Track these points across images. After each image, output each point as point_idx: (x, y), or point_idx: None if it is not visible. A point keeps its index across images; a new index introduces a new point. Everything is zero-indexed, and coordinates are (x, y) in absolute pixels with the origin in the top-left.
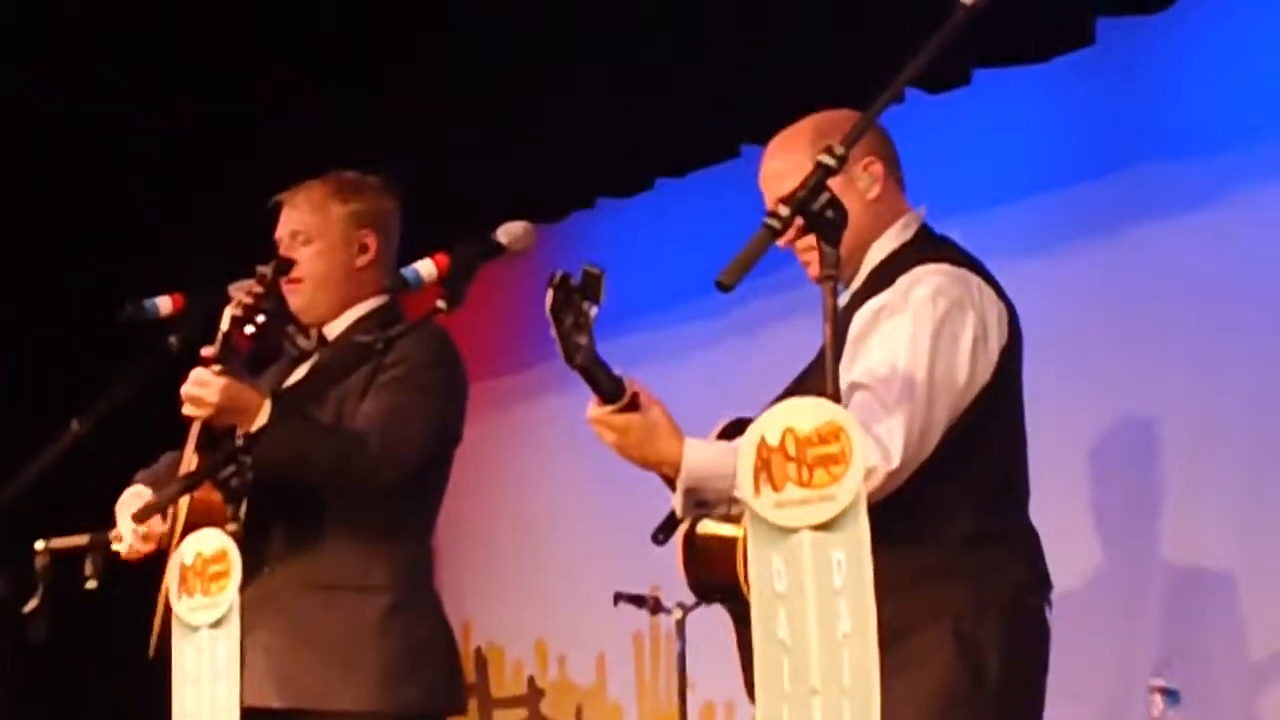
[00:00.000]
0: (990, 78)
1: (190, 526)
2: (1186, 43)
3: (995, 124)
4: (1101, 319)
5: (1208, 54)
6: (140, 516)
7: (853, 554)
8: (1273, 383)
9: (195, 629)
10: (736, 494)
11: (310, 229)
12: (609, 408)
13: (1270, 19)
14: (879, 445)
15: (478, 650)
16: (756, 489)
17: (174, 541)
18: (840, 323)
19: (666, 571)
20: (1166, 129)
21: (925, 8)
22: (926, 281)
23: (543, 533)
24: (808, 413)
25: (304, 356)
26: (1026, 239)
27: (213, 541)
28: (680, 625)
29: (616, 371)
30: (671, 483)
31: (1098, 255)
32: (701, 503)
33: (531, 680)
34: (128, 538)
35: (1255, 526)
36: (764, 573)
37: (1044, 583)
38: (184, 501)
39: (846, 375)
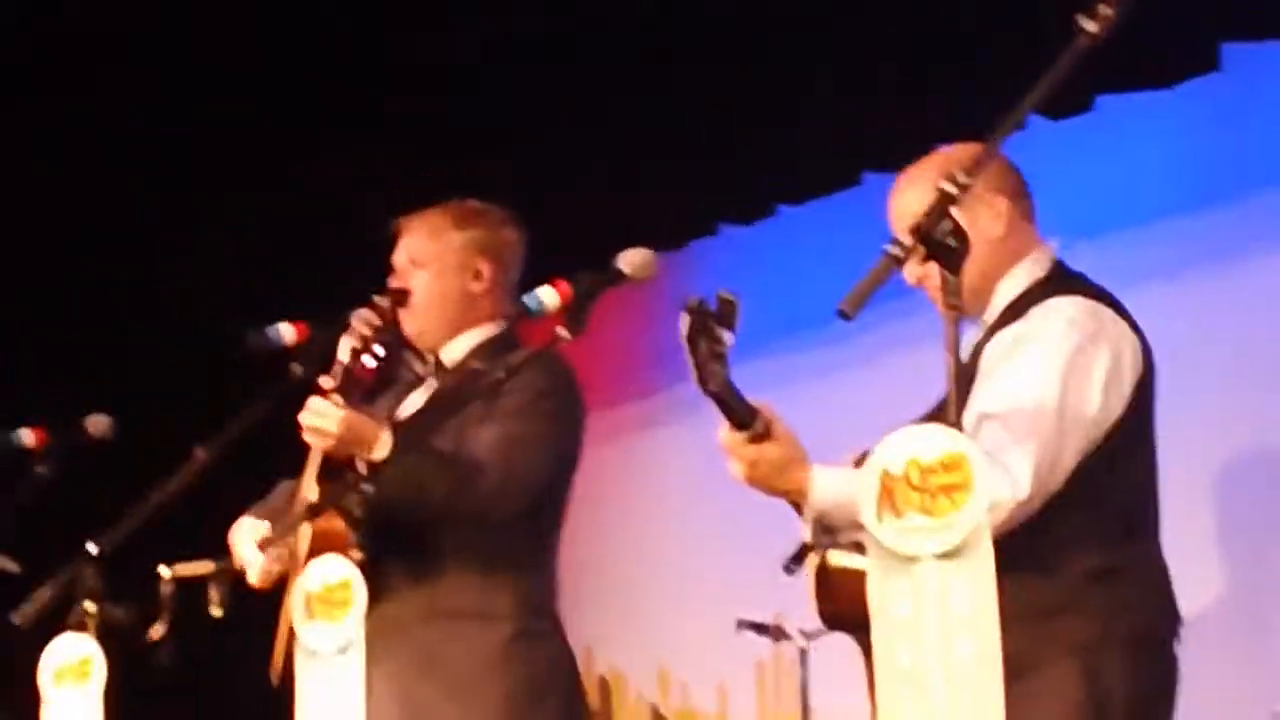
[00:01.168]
0: (1114, 103)
1: (313, 554)
2: None
3: (1119, 150)
4: (1226, 344)
5: None
6: (264, 544)
7: (978, 583)
8: None
9: (319, 655)
10: (862, 516)
11: (425, 255)
12: (742, 436)
13: None
14: (1008, 475)
15: (601, 678)
16: (879, 517)
17: (297, 570)
18: (970, 358)
19: (789, 599)
20: None
21: (1049, 34)
22: (1059, 314)
23: (664, 559)
24: (930, 441)
25: (421, 382)
26: (1152, 265)
27: (337, 568)
28: (803, 654)
29: (750, 399)
30: (800, 510)
31: (1223, 281)
32: (830, 530)
33: (654, 708)
34: (255, 566)
35: None
36: (885, 602)
37: (1173, 618)
38: (306, 530)
39: (976, 407)
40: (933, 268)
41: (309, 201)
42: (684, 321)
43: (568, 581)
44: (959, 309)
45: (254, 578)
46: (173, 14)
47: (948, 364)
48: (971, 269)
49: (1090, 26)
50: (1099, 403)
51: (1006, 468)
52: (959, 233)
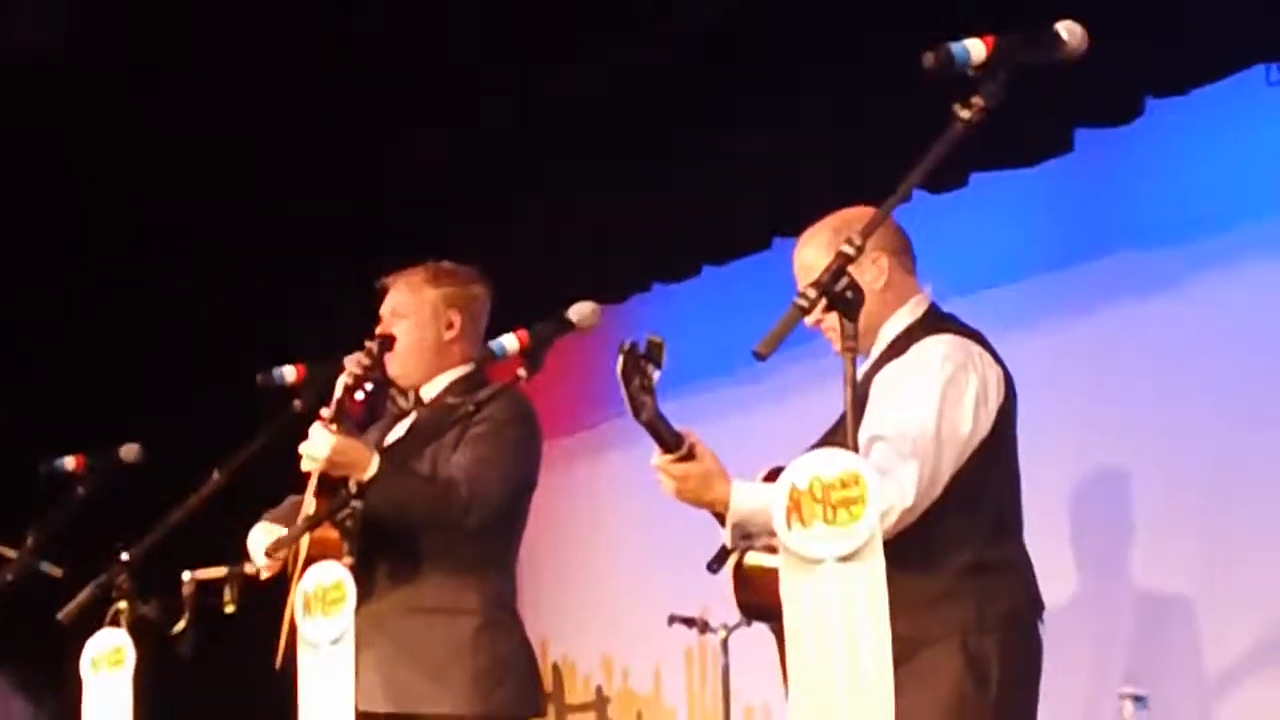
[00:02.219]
0: (984, 180)
1: (310, 559)
2: (1154, 148)
3: (990, 219)
4: (1080, 385)
5: (1173, 157)
6: (271, 551)
7: (871, 581)
8: (1230, 439)
9: (317, 646)
10: (773, 524)
11: (406, 307)
12: (670, 457)
13: (1225, 126)
14: (897, 487)
15: (554, 665)
16: (788, 525)
17: (296, 571)
18: (861, 388)
19: (713, 597)
20: (1137, 223)
21: (933, 117)
22: (935, 349)
23: (607, 564)
24: (831, 461)
25: (403, 414)
26: (1018, 317)
27: (332, 572)
28: (724, 643)
29: (676, 426)
30: (721, 519)
31: (1079, 331)
32: (747, 535)
33: (599, 690)
34: (261, 563)
35: (1212, 557)
36: (795, 597)
37: (1037, 604)
38: (305, 538)
39: (867, 430)
40: (833, 316)
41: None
42: (619, 361)
43: (527, 585)
44: (855, 350)
45: (261, 572)
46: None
47: (846, 396)
48: (860, 314)
49: (965, 115)
50: (970, 423)
51: (895, 480)
52: (855, 287)
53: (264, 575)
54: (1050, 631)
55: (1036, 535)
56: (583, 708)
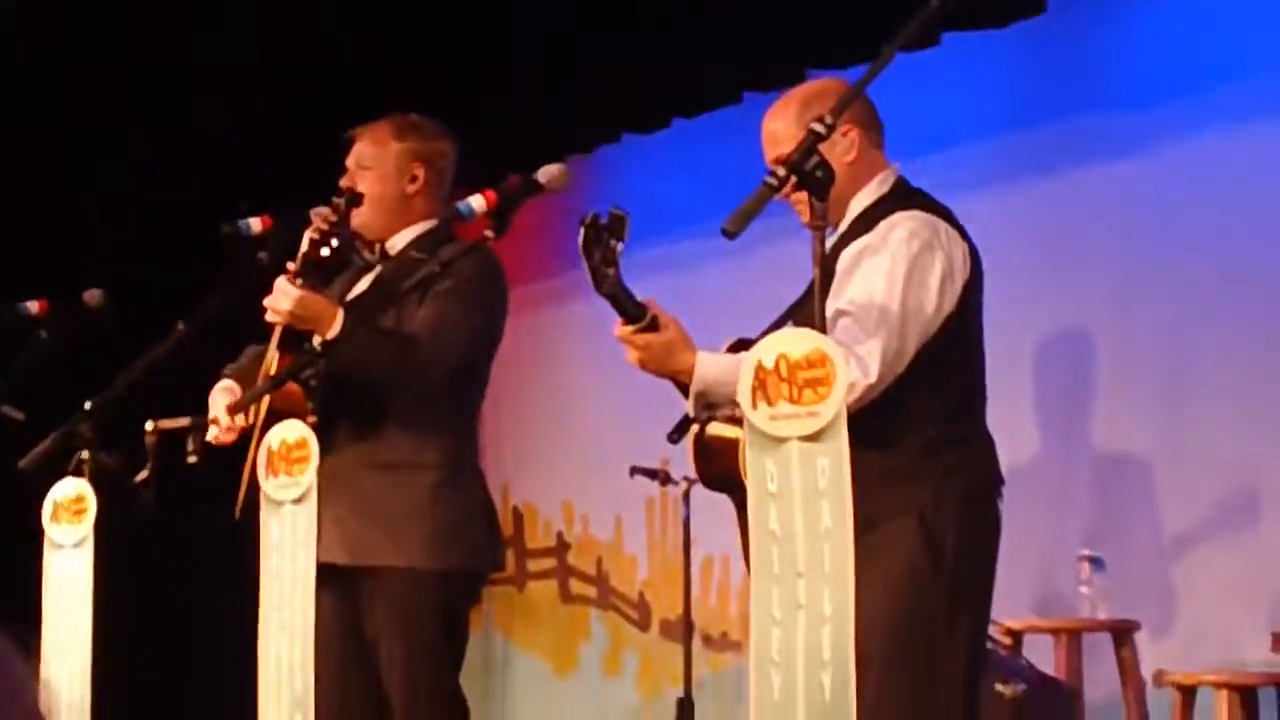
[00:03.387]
0: (957, 40)
1: (273, 413)
2: (1125, 12)
3: (959, 80)
4: (1043, 246)
5: (1144, 23)
6: (234, 409)
7: (834, 462)
8: (1189, 304)
9: (280, 504)
10: (738, 399)
11: (371, 159)
12: (633, 328)
13: None
14: (860, 363)
15: (515, 509)
16: (754, 404)
17: (258, 424)
18: (828, 261)
19: (675, 450)
20: (1106, 86)
21: None
22: (902, 226)
23: (571, 412)
24: (798, 341)
25: (368, 268)
26: (984, 176)
27: (295, 430)
28: (686, 495)
29: (639, 297)
30: (684, 389)
31: (1042, 191)
32: (710, 405)
33: (560, 535)
34: (221, 422)
35: (1168, 421)
36: (759, 475)
37: (996, 480)
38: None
39: (833, 304)
40: (803, 192)
41: (276, 108)
42: (580, 234)
43: (491, 431)
44: (823, 227)
45: (212, 438)
46: None
47: (815, 274)
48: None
49: None
50: (935, 300)
51: (859, 356)
52: (825, 166)
53: (218, 440)
54: (1008, 495)
55: (995, 399)
56: (543, 552)
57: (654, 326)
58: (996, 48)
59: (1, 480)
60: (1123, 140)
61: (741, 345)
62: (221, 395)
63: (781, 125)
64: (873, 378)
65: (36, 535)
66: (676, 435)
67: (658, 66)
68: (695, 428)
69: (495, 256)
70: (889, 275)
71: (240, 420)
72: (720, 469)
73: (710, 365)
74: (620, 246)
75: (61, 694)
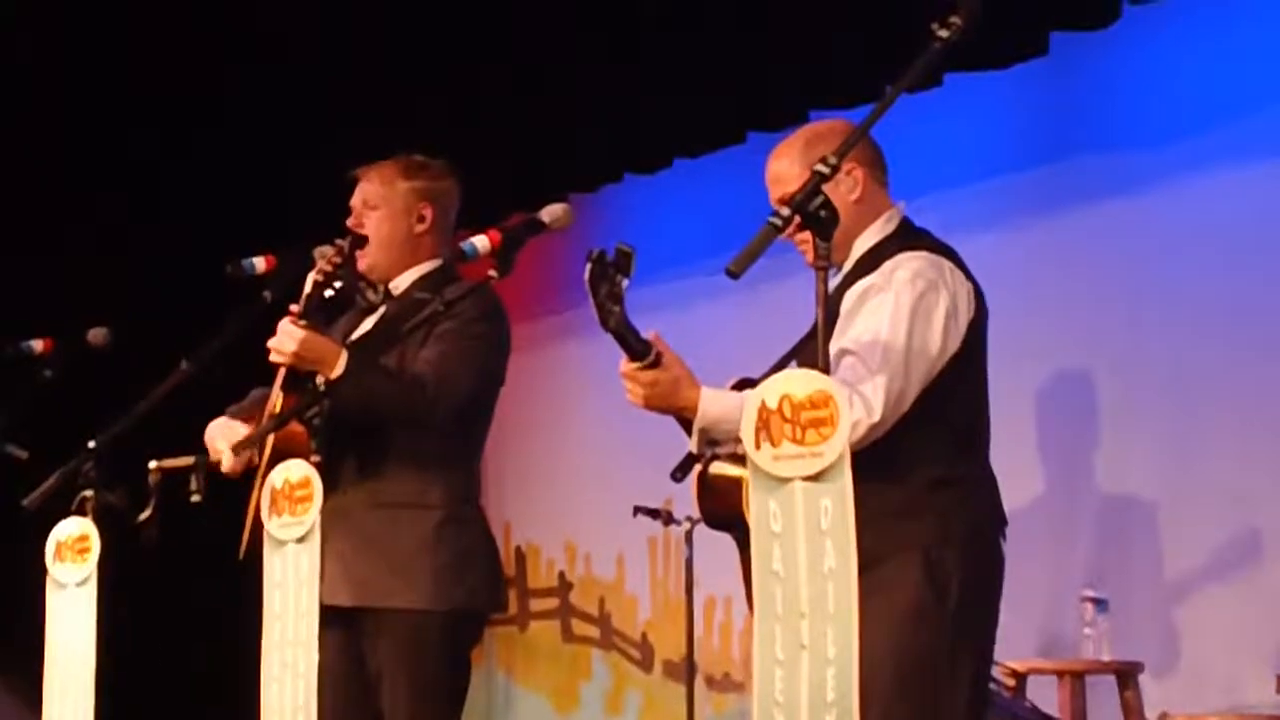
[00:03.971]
0: (959, 81)
1: (277, 454)
2: (1126, 54)
3: (962, 120)
4: (1045, 286)
5: (1145, 64)
6: (238, 448)
7: (838, 502)
8: (1188, 344)
9: (283, 543)
10: (741, 438)
11: (378, 199)
12: (637, 365)
13: (1198, 35)
14: (864, 402)
15: (517, 549)
16: (757, 444)
17: (262, 465)
18: (832, 301)
19: (677, 488)
20: (1107, 127)
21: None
22: (906, 266)
23: (574, 452)
24: (802, 382)
25: (371, 308)
26: (986, 217)
27: (298, 470)
28: (689, 535)
29: (643, 333)
30: (688, 426)
31: (1044, 231)
32: (713, 441)
33: (562, 575)
34: (226, 460)
35: (1172, 463)
36: (762, 515)
37: (1000, 519)
38: (271, 436)
39: (837, 343)
40: (807, 234)
41: (279, 146)
42: (586, 269)
43: (493, 469)
44: (827, 267)
45: (226, 467)
46: None
47: (819, 315)
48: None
49: (943, 34)
50: (939, 340)
51: (862, 395)
52: (829, 206)
53: (226, 469)
54: (1012, 534)
55: (999, 438)
56: (545, 592)
57: (658, 363)
58: (999, 88)
59: (5, 518)
60: (1125, 179)
61: (745, 384)
62: (220, 430)
63: (786, 165)
64: (876, 417)
65: (40, 574)
66: (680, 473)
67: (661, 105)
68: (699, 466)
69: (498, 296)
70: (893, 315)
71: (242, 463)
72: (723, 508)
73: (714, 402)
74: (626, 282)
75: None
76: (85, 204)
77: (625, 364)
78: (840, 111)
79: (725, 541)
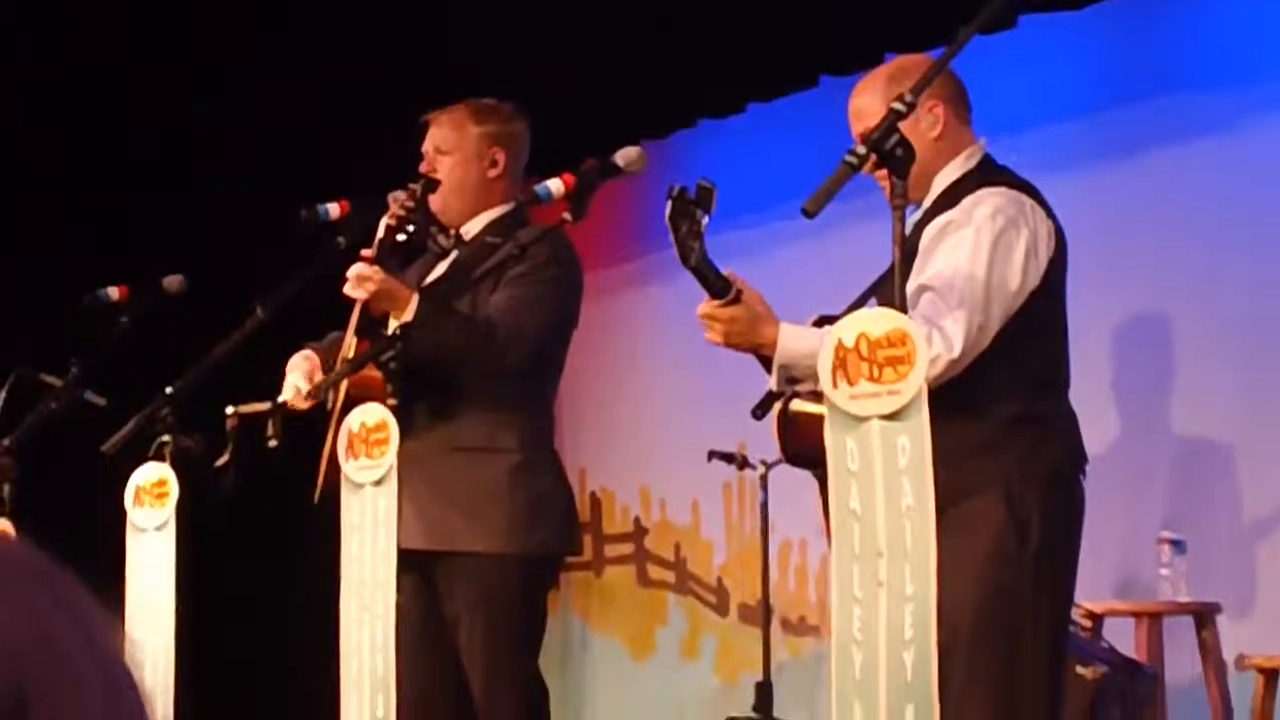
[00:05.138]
0: (1033, 22)
1: (352, 398)
2: None
3: (1036, 61)
4: (1123, 229)
5: (1224, 1)
6: (312, 394)
7: (915, 440)
8: (1269, 285)
9: (360, 486)
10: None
11: (450, 144)
12: (717, 302)
13: None
14: (943, 337)
15: (592, 494)
16: (834, 383)
17: (337, 409)
18: (911, 235)
19: (752, 432)
20: (1184, 66)
21: None
22: (987, 202)
23: (648, 397)
24: (879, 320)
25: (444, 253)
26: (1062, 159)
27: (375, 414)
28: (763, 478)
29: (722, 270)
30: (767, 364)
31: (1123, 173)
32: (793, 379)
33: (637, 520)
34: (300, 389)
35: (1250, 403)
36: (839, 454)
37: (1080, 457)
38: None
39: (917, 279)
40: (884, 171)
41: (350, 92)
42: (667, 206)
43: (568, 417)
44: (904, 205)
45: (292, 400)
46: None
47: (894, 254)
48: (911, 168)
49: None
50: (1019, 277)
51: (942, 331)
52: (905, 144)
53: (299, 406)
54: (1090, 475)
55: (1077, 381)
56: (620, 538)
57: (738, 300)
58: (1073, 30)
59: (84, 465)
60: (1202, 121)
61: (826, 321)
62: (300, 362)
63: (868, 100)
64: (956, 352)
65: (119, 519)
66: (760, 411)
67: (733, 51)
68: (779, 404)
69: (570, 241)
70: (973, 250)
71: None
72: (804, 445)
73: (794, 338)
74: (706, 219)
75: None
76: (159, 151)
77: (705, 304)
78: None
79: (800, 485)
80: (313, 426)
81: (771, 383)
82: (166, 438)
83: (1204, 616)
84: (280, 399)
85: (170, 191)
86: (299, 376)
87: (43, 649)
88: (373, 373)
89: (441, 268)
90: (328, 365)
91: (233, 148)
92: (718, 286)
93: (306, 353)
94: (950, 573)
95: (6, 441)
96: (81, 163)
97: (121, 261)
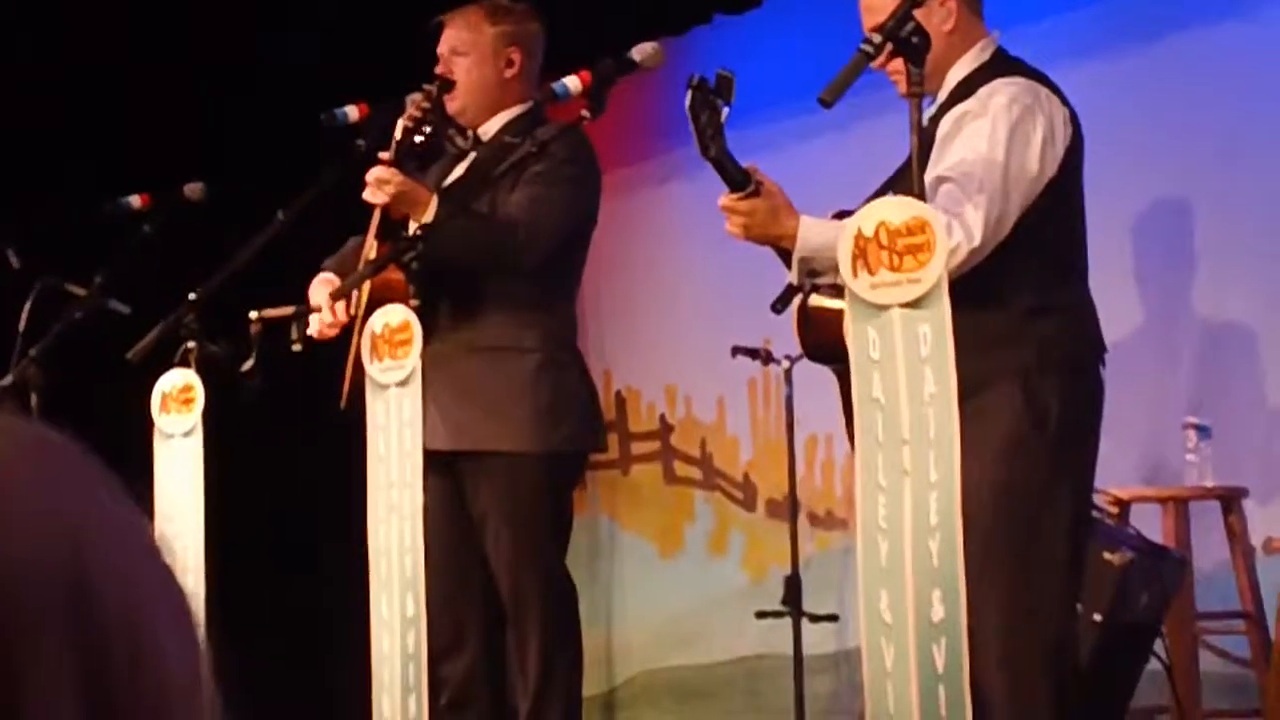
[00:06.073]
0: None
1: (374, 301)
2: None
3: None
4: (1142, 114)
5: None
6: (336, 295)
7: (937, 328)
8: None
9: (385, 388)
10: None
11: (465, 45)
12: (737, 194)
13: None
14: (964, 227)
15: (617, 393)
16: (854, 272)
17: (360, 312)
18: (927, 130)
19: (776, 328)
20: None
21: None
22: (1003, 92)
23: (671, 295)
24: (898, 209)
25: (462, 154)
26: (1079, 44)
27: (398, 314)
28: (788, 373)
29: (742, 163)
30: (787, 258)
31: (1141, 57)
32: (813, 272)
33: (663, 418)
34: (325, 316)
35: (1273, 287)
36: (861, 343)
37: (1099, 346)
38: (367, 282)
39: (934, 170)
40: (899, 60)
41: None
42: (687, 95)
43: (591, 314)
44: (920, 94)
45: (314, 332)
46: None
47: (911, 142)
48: (928, 56)
49: None
50: (1037, 165)
51: (962, 220)
52: (921, 32)
53: (320, 333)
54: (1112, 363)
55: (1097, 268)
56: (646, 435)
57: (758, 192)
58: None
59: (110, 372)
60: (1221, 5)
61: (845, 215)
62: (322, 287)
63: None
64: (976, 241)
65: (146, 427)
66: (780, 305)
67: None
68: (799, 298)
69: (588, 138)
70: (990, 139)
71: (342, 314)
72: (824, 340)
73: (814, 230)
74: (727, 110)
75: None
76: (178, 60)
77: (725, 196)
78: None
79: (825, 380)
80: (336, 336)
81: (791, 276)
82: (191, 344)
83: (1230, 501)
84: (306, 307)
85: (190, 98)
86: (322, 297)
87: (100, 534)
88: (394, 274)
89: (460, 169)
90: (348, 272)
91: (251, 54)
92: (737, 179)
93: (326, 275)
94: (968, 460)
95: (33, 351)
96: (101, 70)
97: (143, 169)
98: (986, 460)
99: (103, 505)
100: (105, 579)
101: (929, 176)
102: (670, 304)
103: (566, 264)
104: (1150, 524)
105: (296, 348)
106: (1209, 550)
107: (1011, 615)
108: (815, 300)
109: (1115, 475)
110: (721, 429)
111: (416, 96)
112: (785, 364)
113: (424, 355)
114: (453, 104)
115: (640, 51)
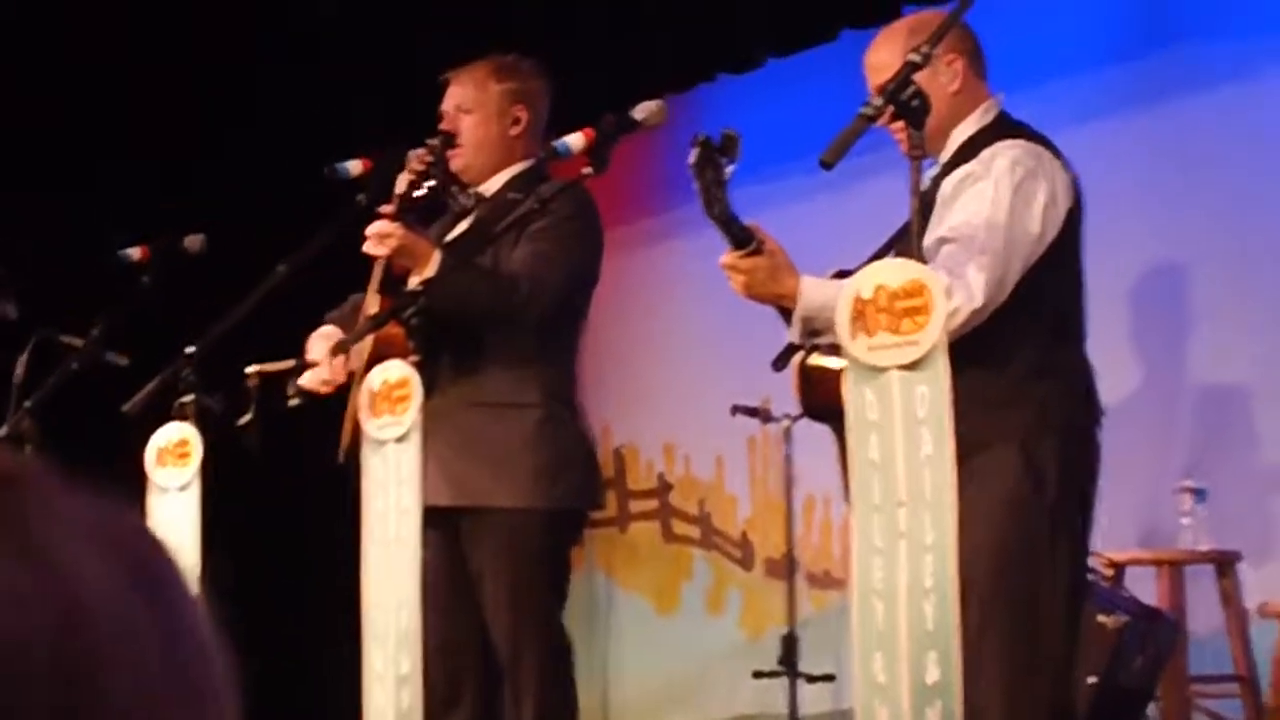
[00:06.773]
0: None
1: (375, 356)
2: None
3: (1054, 12)
4: (1142, 178)
5: None
6: (336, 350)
7: (934, 390)
8: None
9: (382, 444)
10: (837, 330)
11: (471, 102)
12: (739, 253)
13: None
14: (965, 288)
15: (616, 450)
16: (853, 335)
17: (360, 367)
18: (929, 190)
19: (775, 386)
20: (1203, 15)
21: None
22: (1005, 154)
23: (671, 353)
24: (896, 271)
25: (464, 211)
26: (1080, 109)
27: (397, 371)
28: (787, 432)
29: (744, 221)
30: (788, 316)
31: (1142, 122)
32: (813, 331)
33: (661, 476)
34: (322, 373)
35: (1270, 351)
36: (858, 405)
37: (1096, 409)
38: (369, 337)
39: (936, 231)
40: (901, 124)
41: (372, 51)
42: (692, 153)
43: (591, 370)
44: (921, 157)
45: (312, 383)
46: None
47: (912, 205)
48: (931, 117)
49: None
50: (1039, 227)
51: (964, 280)
52: (921, 96)
53: (322, 390)
54: (1109, 425)
55: (1097, 329)
56: (645, 493)
57: (760, 251)
58: None
59: (105, 425)
60: (1222, 69)
61: (845, 275)
62: (322, 341)
63: (885, 54)
64: (978, 302)
65: (141, 480)
66: (780, 363)
67: (753, 5)
68: (798, 357)
69: (591, 194)
70: (993, 201)
71: (341, 372)
72: (822, 399)
73: (814, 290)
74: (731, 168)
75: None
76: (181, 111)
77: (727, 254)
78: (934, 8)
79: (824, 439)
80: (330, 394)
81: (792, 334)
82: (188, 397)
83: (1225, 564)
84: (304, 362)
85: (191, 151)
86: (322, 352)
87: (115, 622)
88: (395, 330)
89: (463, 225)
90: (349, 326)
91: (254, 107)
92: (740, 236)
93: (326, 329)
94: (967, 523)
95: (28, 403)
96: (103, 122)
97: (142, 222)
98: (984, 522)
99: (129, 598)
100: (104, 670)
101: (930, 237)
102: (670, 361)
103: (568, 319)
104: (1145, 587)
105: (293, 403)
106: (1203, 613)
107: (1010, 677)
108: (815, 359)
109: (1110, 538)
110: (720, 487)
111: (420, 151)
112: (785, 423)
113: (425, 410)
114: (457, 161)
115: (643, 109)
